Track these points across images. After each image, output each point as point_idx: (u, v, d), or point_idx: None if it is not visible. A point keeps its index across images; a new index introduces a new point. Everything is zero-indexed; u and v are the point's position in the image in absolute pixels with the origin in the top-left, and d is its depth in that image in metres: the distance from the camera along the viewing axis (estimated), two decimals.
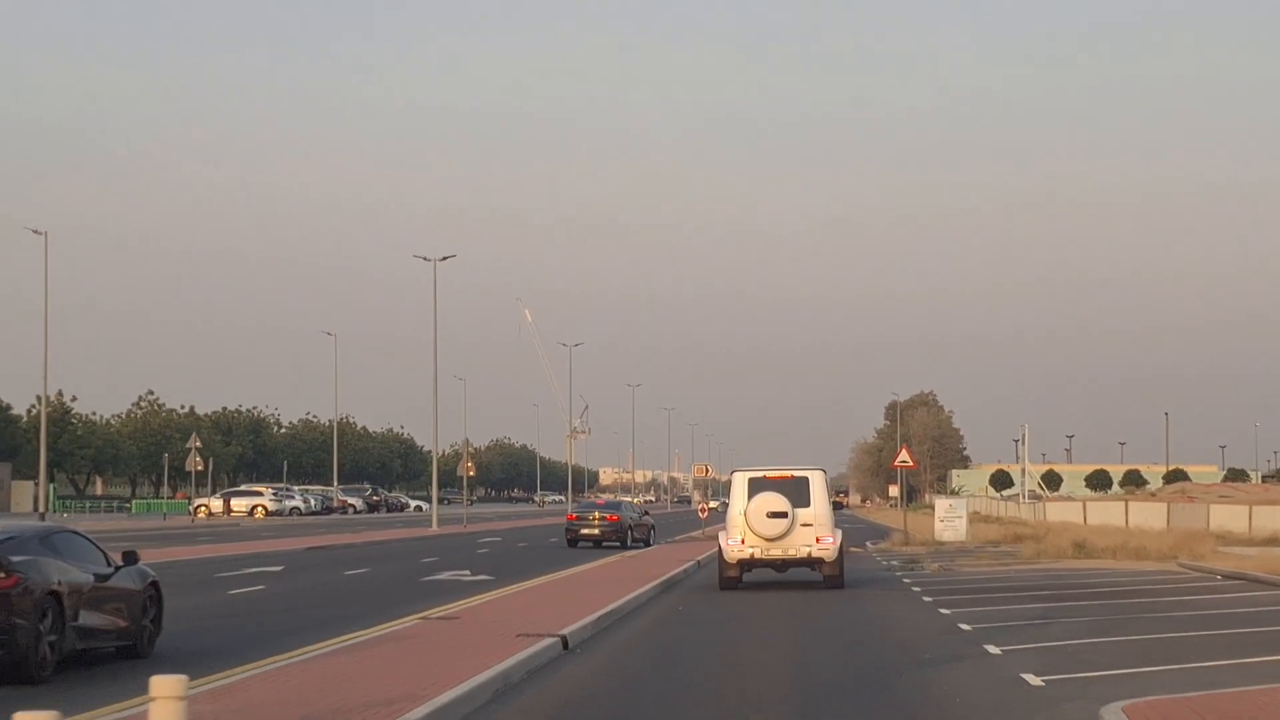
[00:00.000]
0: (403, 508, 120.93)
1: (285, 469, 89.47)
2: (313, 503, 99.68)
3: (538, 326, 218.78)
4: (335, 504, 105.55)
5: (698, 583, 33.39)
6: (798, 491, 29.20)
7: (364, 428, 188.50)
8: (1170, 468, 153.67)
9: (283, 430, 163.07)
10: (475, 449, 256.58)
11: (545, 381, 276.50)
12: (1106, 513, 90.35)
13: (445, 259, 70.41)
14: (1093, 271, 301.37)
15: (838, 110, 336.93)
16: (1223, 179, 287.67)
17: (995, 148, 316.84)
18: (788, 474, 29.58)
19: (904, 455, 52.47)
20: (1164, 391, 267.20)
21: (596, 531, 52.71)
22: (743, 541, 29.13)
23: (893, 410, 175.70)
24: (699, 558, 41.76)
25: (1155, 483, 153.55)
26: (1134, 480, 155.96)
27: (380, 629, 20.03)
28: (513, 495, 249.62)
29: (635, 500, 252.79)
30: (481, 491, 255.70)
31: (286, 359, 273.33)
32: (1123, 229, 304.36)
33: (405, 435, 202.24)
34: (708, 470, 67.43)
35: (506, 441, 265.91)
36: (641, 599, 26.88)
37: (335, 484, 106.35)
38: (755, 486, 29.34)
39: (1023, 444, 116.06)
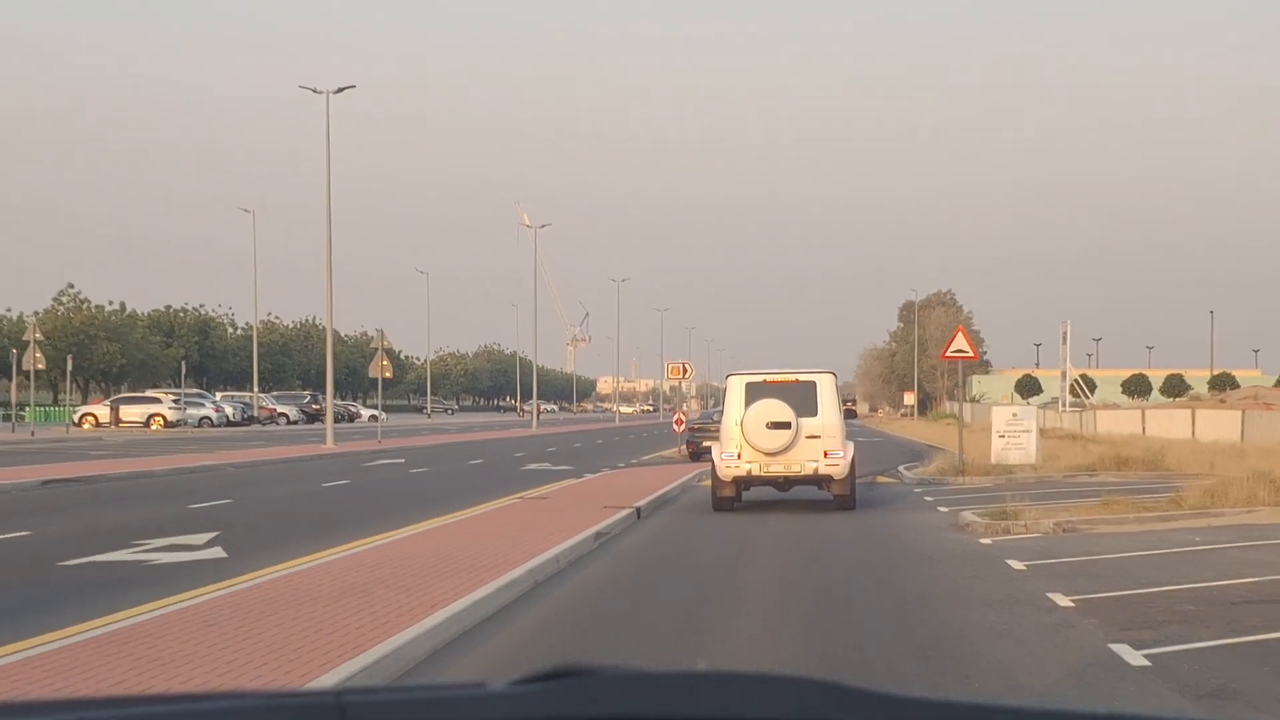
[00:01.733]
0: (353, 417, 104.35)
1: (184, 371, 73.13)
2: (230, 412, 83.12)
3: (535, 230, 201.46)
4: (259, 413, 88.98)
5: (607, 566, 16.95)
6: (803, 398, 24.69)
7: (337, 331, 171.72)
8: (1215, 372, 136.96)
9: (239, 332, 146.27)
10: (464, 355, 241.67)
11: (543, 288, 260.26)
12: (1171, 423, 73.98)
13: (341, 90, 53.34)
14: (1114, 168, 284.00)
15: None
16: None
17: (1014, 38, 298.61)
18: (791, 378, 25.08)
19: (960, 342, 35.62)
20: (1191, 292, 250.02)
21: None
22: (739, 456, 24.75)
23: (908, 311, 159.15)
24: (639, 502, 25.44)
25: (1199, 388, 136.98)
26: (1176, 386, 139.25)
27: None
28: (500, 404, 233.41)
29: (635, 410, 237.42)
30: (470, 400, 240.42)
31: (249, 260, 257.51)
32: (1150, 124, 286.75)
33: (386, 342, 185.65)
34: (686, 371, 50.59)
35: (496, 348, 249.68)
36: (406, 653, 10.47)
37: (255, 389, 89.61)
38: (754, 392, 24.85)
39: (1064, 344, 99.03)
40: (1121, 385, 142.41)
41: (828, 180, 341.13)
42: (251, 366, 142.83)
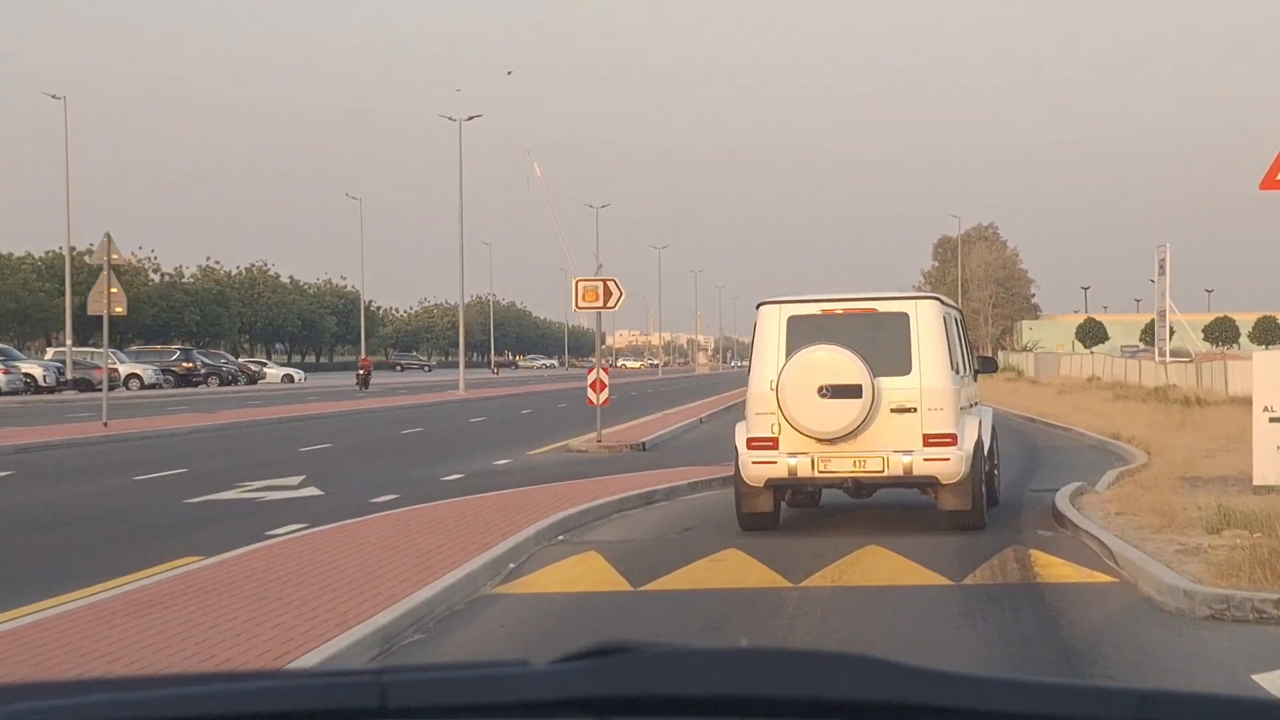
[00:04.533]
0: (254, 377, 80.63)
1: None
2: (40, 374, 59.74)
3: (549, 180, 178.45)
4: (94, 375, 65.18)
5: None
6: (887, 342, 14.59)
7: (291, 278, 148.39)
8: None
9: (166, 278, 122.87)
10: (454, 305, 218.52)
11: (553, 236, 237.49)
12: None
13: None
14: (1161, 106, 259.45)
15: None
16: None
17: None
18: (865, 306, 14.99)
19: None
20: (1249, 233, 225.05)
21: None
22: (774, 443, 14.51)
23: (944, 248, 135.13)
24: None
25: None
26: (1269, 330, 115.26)
27: None
28: (495, 360, 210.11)
29: (642, 364, 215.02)
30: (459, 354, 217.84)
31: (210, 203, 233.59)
32: (1198, 61, 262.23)
33: (349, 288, 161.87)
34: (609, 293, 26.76)
35: (491, 298, 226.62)
36: None
37: (69, 343, 65.06)
38: (800, 332, 14.70)
39: (1163, 274, 74.85)
40: (1204, 331, 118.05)
41: (851, 117, 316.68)
42: (176, 319, 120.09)
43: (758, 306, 15.29)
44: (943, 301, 15.33)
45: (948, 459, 14.33)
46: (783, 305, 15.04)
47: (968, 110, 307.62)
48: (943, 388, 14.37)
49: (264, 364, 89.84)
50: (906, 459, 14.39)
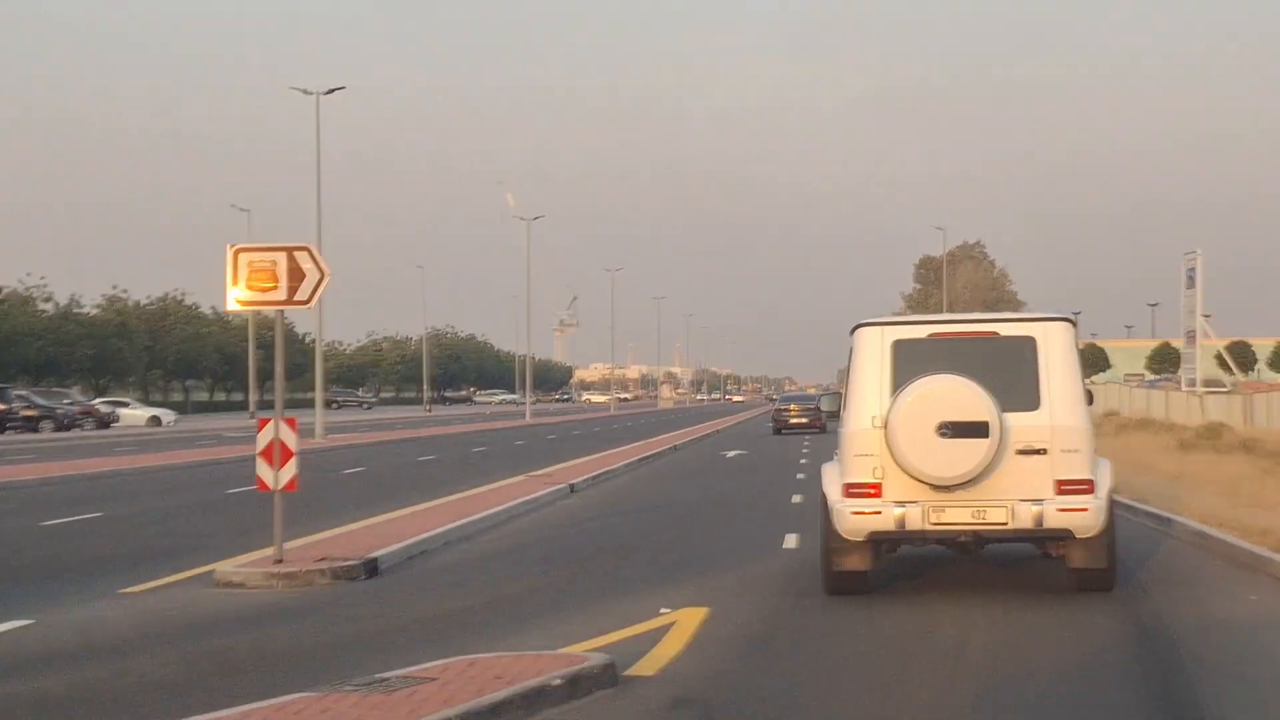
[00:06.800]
0: (105, 421, 66.54)
1: None
2: None
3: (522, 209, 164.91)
4: None
5: None
6: (1010, 372, 12.74)
7: (214, 308, 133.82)
8: None
9: (59, 308, 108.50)
10: (406, 339, 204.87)
11: (524, 269, 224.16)
12: None
13: None
14: (1147, 117, 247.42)
15: None
16: None
17: None
18: (984, 329, 13.25)
19: None
20: (1246, 250, 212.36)
21: (805, 420, 53.07)
22: (876, 489, 12.70)
23: (927, 269, 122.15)
24: None
25: None
26: None
27: None
28: (445, 395, 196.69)
29: (609, 399, 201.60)
30: (415, 391, 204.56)
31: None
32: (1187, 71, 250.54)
33: (289, 321, 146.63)
34: (295, 277, 12.60)
35: (449, 331, 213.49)
36: None
37: None
38: (908, 360, 12.84)
39: (1193, 288, 60.73)
40: (1215, 357, 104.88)
41: (825, 133, 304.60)
42: (80, 355, 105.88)
43: (853, 330, 13.12)
44: (1072, 323, 12.98)
45: (1085, 509, 12.49)
46: (886, 328, 13.02)
47: (949, 126, 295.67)
48: (1078, 426, 12.61)
49: (123, 404, 75.70)
50: (1035, 509, 12.47)
